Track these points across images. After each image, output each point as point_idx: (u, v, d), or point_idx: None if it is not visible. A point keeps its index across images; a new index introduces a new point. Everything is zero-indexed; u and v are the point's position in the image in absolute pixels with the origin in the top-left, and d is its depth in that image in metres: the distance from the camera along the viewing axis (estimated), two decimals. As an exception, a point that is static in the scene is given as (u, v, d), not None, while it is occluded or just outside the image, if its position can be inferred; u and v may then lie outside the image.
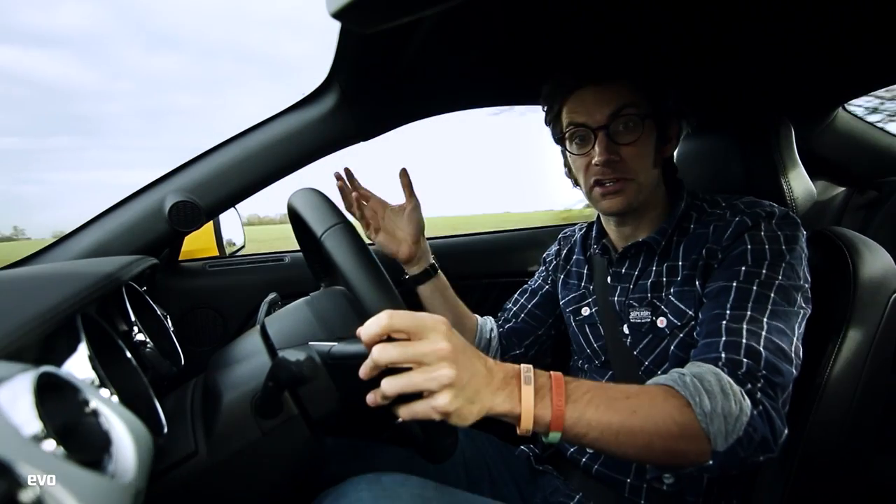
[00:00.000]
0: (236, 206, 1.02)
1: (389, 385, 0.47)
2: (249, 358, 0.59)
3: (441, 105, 1.04)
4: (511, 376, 0.52)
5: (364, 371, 0.49)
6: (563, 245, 0.97)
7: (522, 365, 0.53)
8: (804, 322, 0.65)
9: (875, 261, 0.74)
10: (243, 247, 1.40)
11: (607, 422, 0.52)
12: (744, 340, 0.60)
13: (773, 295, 0.63)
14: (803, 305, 0.65)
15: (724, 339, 0.61)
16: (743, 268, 0.66)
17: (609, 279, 0.82)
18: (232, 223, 1.34)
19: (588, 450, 0.78)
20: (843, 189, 1.38)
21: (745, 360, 0.59)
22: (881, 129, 1.23)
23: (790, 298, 0.64)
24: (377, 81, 0.89)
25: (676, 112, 0.77)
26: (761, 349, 0.59)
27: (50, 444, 0.30)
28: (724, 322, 0.63)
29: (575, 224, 1.01)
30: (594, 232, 0.88)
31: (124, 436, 0.37)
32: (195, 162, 0.93)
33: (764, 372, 0.58)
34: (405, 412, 0.49)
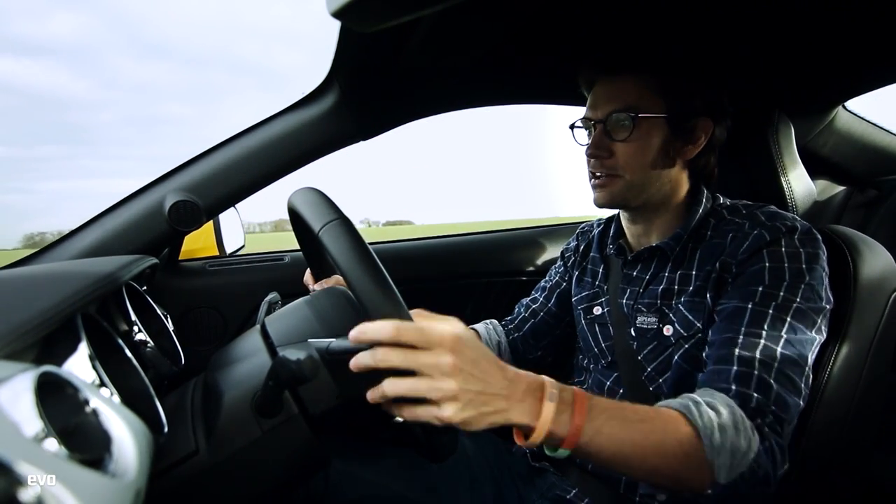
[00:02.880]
0: (236, 205, 1.02)
1: (392, 387, 0.47)
2: (250, 357, 0.58)
3: (441, 105, 1.04)
4: (534, 388, 0.51)
5: (355, 363, 0.47)
6: (580, 240, 0.96)
7: (547, 379, 0.52)
8: (818, 348, 0.63)
9: (875, 260, 0.74)
10: (243, 246, 1.40)
11: (620, 443, 0.52)
12: (755, 372, 0.59)
13: (789, 319, 0.61)
14: (822, 330, 0.64)
15: (735, 368, 0.60)
16: (760, 288, 0.64)
17: (620, 280, 0.81)
18: (232, 223, 1.34)
19: None
20: (842, 188, 1.38)
21: (755, 394, 0.58)
22: (881, 128, 1.22)
23: (807, 323, 0.62)
24: (377, 81, 0.89)
25: (707, 113, 0.73)
26: (772, 382, 0.58)
27: (51, 444, 0.30)
28: (737, 349, 0.61)
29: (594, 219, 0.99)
30: (612, 230, 0.87)
31: (125, 435, 0.37)
32: (195, 161, 0.93)
33: (773, 408, 0.58)
34: (408, 413, 0.48)
